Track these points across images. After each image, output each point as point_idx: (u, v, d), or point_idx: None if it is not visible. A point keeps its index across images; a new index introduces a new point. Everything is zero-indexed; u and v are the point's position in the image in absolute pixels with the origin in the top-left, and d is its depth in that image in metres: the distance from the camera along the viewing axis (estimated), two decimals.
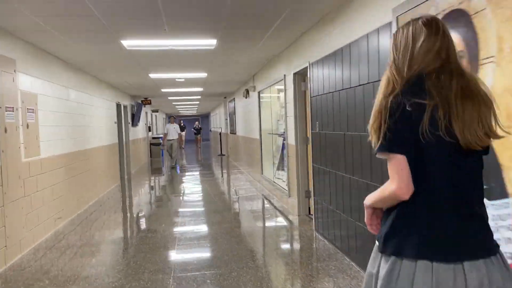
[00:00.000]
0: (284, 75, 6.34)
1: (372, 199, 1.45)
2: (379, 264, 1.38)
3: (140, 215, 6.79)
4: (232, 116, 14.60)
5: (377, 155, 1.36)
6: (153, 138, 17.35)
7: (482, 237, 1.33)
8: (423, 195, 1.31)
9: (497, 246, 1.35)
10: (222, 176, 11.92)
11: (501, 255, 1.34)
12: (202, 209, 6.97)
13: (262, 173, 8.83)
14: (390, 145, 1.31)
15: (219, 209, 6.73)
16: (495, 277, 1.27)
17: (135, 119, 12.84)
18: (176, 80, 9.65)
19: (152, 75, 8.77)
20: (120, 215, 6.92)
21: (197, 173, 12.64)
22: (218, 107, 21.23)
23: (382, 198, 1.39)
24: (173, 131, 13.60)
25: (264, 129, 8.70)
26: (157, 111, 19.99)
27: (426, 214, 1.32)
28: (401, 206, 1.35)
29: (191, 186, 9.90)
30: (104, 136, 9.27)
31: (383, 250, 1.37)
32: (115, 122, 10.54)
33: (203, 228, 5.57)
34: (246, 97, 10.49)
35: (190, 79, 9.64)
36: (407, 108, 1.28)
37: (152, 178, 11.96)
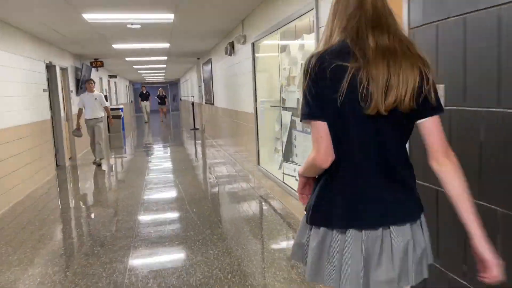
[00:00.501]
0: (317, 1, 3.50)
1: (301, 168, 1.41)
2: (308, 235, 1.37)
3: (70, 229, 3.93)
4: (208, 82, 11.61)
5: (302, 122, 1.35)
6: (112, 109, 14.10)
7: (407, 202, 1.31)
8: (345, 163, 1.28)
9: (422, 209, 1.35)
10: (197, 157, 9.10)
11: (422, 218, 1.34)
12: (169, 229, 4.16)
13: (259, 164, 6.08)
14: (310, 111, 1.25)
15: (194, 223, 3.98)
16: (419, 240, 1.30)
17: (82, 87, 9.65)
18: (129, 26, 6.55)
19: (88, 16, 5.68)
20: (50, 231, 4.07)
21: (164, 153, 9.86)
22: (189, 72, 17.99)
23: (308, 167, 1.36)
24: (94, 104, 8.08)
25: (262, 100, 5.90)
26: (116, 77, 16.65)
27: (349, 183, 1.29)
28: (325, 176, 1.32)
29: (156, 176, 6.99)
30: (22, 111, 6.21)
31: (311, 222, 1.35)
32: (44, 90, 7.41)
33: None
34: (230, 54, 7.57)
35: (150, 25, 6.58)
36: (328, 70, 1.22)
37: (108, 162, 8.91)
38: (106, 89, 14.71)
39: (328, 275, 1.29)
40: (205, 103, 12.52)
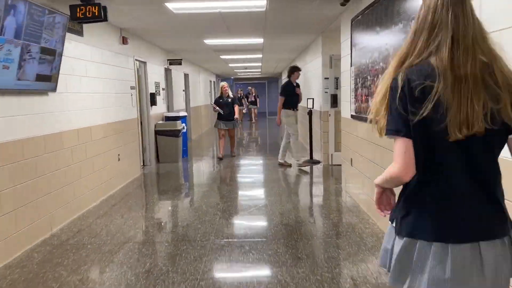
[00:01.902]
0: None
1: (379, 179, 1.46)
2: (393, 241, 1.40)
3: None
4: (365, 69, 4.65)
5: (386, 136, 1.35)
6: (166, 119, 8.85)
7: (497, 217, 1.33)
8: (435, 178, 1.32)
9: (511, 225, 1.36)
10: None
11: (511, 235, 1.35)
12: None
13: None
14: (396, 127, 1.31)
15: None
16: (508, 256, 1.32)
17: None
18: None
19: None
20: None
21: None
22: (302, 55, 11.03)
23: (386, 179, 1.41)
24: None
25: None
26: (180, 63, 10.13)
27: (438, 196, 1.33)
28: (412, 189, 1.36)
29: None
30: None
31: (398, 232, 1.39)
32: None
33: None
34: None
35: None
36: (416, 90, 1.27)
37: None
38: (156, 84, 9.03)
39: (410, 286, 1.34)
40: (352, 115, 5.30)
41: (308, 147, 8.54)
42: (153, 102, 8.27)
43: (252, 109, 19.53)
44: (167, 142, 8.47)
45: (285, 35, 7.91)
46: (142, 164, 7.77)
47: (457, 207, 1.31)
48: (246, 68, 16.78)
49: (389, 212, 1.49)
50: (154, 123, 8.43)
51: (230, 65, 14.89)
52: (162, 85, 9.30)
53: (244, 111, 19.02)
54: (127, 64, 6.92)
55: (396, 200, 1.49)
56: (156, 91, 8.64)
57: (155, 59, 8.77)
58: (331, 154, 7.72)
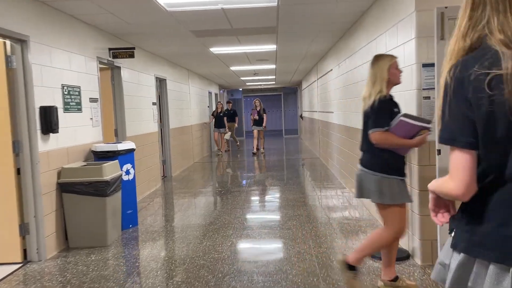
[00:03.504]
0: None
1: (434, 186, 1.23)
2: (450, 257, 1.21)
3: None
4: None
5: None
6: (95, 156, 4.69)
7: None
8: (498, 192, 1.10)
9: None
10: None
11: None
12: None
13: None
14: (451, 135, 1.09)
15: None
16: None
17: None
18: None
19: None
20: None
21: None
22: (327, 59, 8.58)
23: (442, 192, 1.19)
24: None
25: None
26: (131, 54, 5.61)
27: (503, 215, 1.09)
28: (474, 197, 1.13)
29: None
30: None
31: (454, 246, 1.20)
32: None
33: None
34: None
35: None
36: (472, 82, 1.03)
37: None
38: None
39: None
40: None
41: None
42: (48, 126, 3.96)
43: (257, 131, 12.35)
44: (83, 208, 4.14)
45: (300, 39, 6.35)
46: (22, 257, 3.43)
47: None
48: (255, 73, 12.42)
49: (447, 220, 1.25)
50: (55, 167, 4.12)
51: (232, 68, 10.56)
52: (89, 89, 5.00)
53: (226, 136, 12.72)
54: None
55: (454, 205, 1.24)
56: (66, 101, 4.35)
57: (66, 40, 4.50)
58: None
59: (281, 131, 20.71)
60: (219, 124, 12.57)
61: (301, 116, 17.12)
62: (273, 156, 12.13)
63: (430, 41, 3.24)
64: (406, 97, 3.63)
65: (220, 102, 13.41)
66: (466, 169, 1.08)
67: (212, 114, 12.80)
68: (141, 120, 6.75)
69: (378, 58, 2.92)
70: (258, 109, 12.45)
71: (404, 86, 3.67)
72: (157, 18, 4.89)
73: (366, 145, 2.87)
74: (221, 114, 12.58)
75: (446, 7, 3.13)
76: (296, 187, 6.99)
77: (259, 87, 19.54)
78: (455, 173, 1.10)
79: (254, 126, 12.44)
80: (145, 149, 6.83)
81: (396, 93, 3.90)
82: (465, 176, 1.08)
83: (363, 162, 2.91)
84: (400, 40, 3.73)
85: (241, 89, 20.33)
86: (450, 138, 1.10)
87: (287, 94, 21.13)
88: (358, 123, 5.66)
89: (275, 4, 4.53)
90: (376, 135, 2.75)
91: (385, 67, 2.83)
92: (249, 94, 20.46)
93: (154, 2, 4.23)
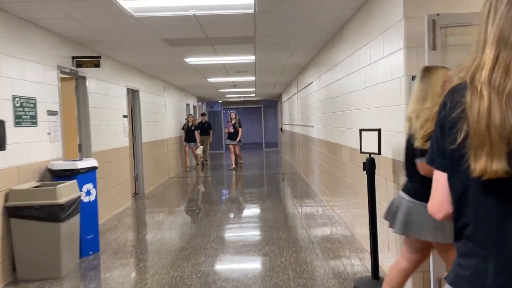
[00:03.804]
0: None
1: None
2: None
3: None
4: None
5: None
6: (52, 175, 4.20)
7: None
8: (468, 228, 1.04)
9: None
10: None
11: None
12: None
13: None
14: (432, 156, 1.11)
15: None
16: None
17: None
18: None
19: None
20: None
21: None
22: (305, 74, 8.49)
23: None
24: None
25: None
26: (97, 64, 5.16)
27: (465, 251, 1.05)
28: (455, 229, 1.09)
29: None
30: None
31: (446, 276, 1.12)
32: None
33: None
34: None
35: None
36: (449, 108, 1.03)
37: None
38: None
39: None
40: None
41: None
42: None
43: (231, 146, 11.75)
44: (34, 235, 3.66)
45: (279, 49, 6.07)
46: None
47: (480, 272, 1.00)
48: (234, 85, 12.08)
49: None
50: (3, 189, 3.64)
51: (210, 80, 10.19)
52: (47, 101, 4.54)
53: (198, 150, 11.80)
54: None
55: None
56: (18, 114, 3.89)
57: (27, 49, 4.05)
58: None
59: (261, 144, 20.36)
60: (189, 138, 11.60)
61: (281, 129, 16.80)
62: (253, 170, 11.74)
63: (421, 52, 2.95)
64: (393, 113, 3.31)
65: (191, 114, 12.34)
66: (439, 189, 1.10)
67: (183, 128, 11.78)
68: (110, 133, 6.28)
69: (429, 71, 2.43)
70: (233, 122, 11.80)
71: (391, 100, 3.36)
72: (124, 24, 4.50)
73: (416, 173, 2.38)
74: (192, 128, 11.61)
75: (438, 14, 2.85)
76: (275, 205, 6.61)
77: (239, 99, 19.18)
78: (433, 192, 1.13)
79: (228, 140, 11.83)
80: (114, 165, 6.35)
81: (383, 108, 3.59)
82: (437, 194, 1.11)
83: (413, 193, 2.43)
84: (387, 51, 3.43)
85: (220, 101, 19.94)
86: (430, 159, 1.12)
87: (267, 106, 20.82)
88: (340, 139, 5.36)
89: (251, 11, 4.20)
90: (425, 166, 2.19)
91: (439, 82, 2.34)
92: (229, 106, 20.05)
93: (118, 7, 3.84)
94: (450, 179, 1.06)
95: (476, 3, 2.97)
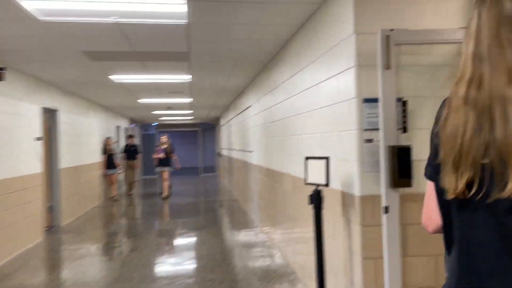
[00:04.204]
0: None
1: None
2: None
3: None
4: None
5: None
6: None
7: None
8: (456, 244, 1.00)
9: None
10: None
11: None
12: None
13: None
14: (426, 167, 1.10)
15: None
16: None
17: None
18: None
19: None
20: None
21: None
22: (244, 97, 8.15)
23: None
24: None
25: None
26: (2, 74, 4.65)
27: (453, 268, 1.00)
28: (444, 246, 1.07)
29: None
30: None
31: None
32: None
33: None
34: None
35: None
36: (438, 125, 1.02)
37: None
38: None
39: None
40: None
41: None
42: None
43: (162, 173, 10.65)
44: None
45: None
46: None
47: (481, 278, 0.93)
48: (169, 107, 11.40)
49: None
50: None
51: (140, 100, 9.46)
52: None
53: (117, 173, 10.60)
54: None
55: None
56: None
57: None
58: None
59: (197, 169, 19.58)
60: (109, 164, 10.05)
61: (219, 154, 16.24)
62: (188, 198, 11.01)
63: (373, 71, 2.61)
64: (343, 139, 2.93)
65: (109, 137, 10.47)
66: (429, 200, 1.09)
67: (104, 152, 10.11)
68: (16, 159, 5.37)
69: None
70: (164, 146, 10.69)
71: (341, 125, 2.98)
72: (30, 30, 3.79)
73: None
74: (111, 153, 10.12)
75: (392, 30, 2.53)
76: (211, 238, 6.00)
77: (175, 122, 18.38)
78: (424, 204, 1.11)
79: (159, 167, 10.62)
80: (20, 195, 5.41)
81: (330, 133, 3.22)
82: (427, 206, 1.09)
83: None
84: (334, 71, 3.07)
85: (156, 124, 19.01)
86: (425, 169, 1.10)
87: (205, 130, 20.18)
88: (281, 166, 4.94)
89: (184, 21, 3.70)
90: None
91: None
92: (164, 129, 19.15)
93: (17, 7, 3.16)
94: (436, 192, 1.05)
95: (434, 20, 2.71)
